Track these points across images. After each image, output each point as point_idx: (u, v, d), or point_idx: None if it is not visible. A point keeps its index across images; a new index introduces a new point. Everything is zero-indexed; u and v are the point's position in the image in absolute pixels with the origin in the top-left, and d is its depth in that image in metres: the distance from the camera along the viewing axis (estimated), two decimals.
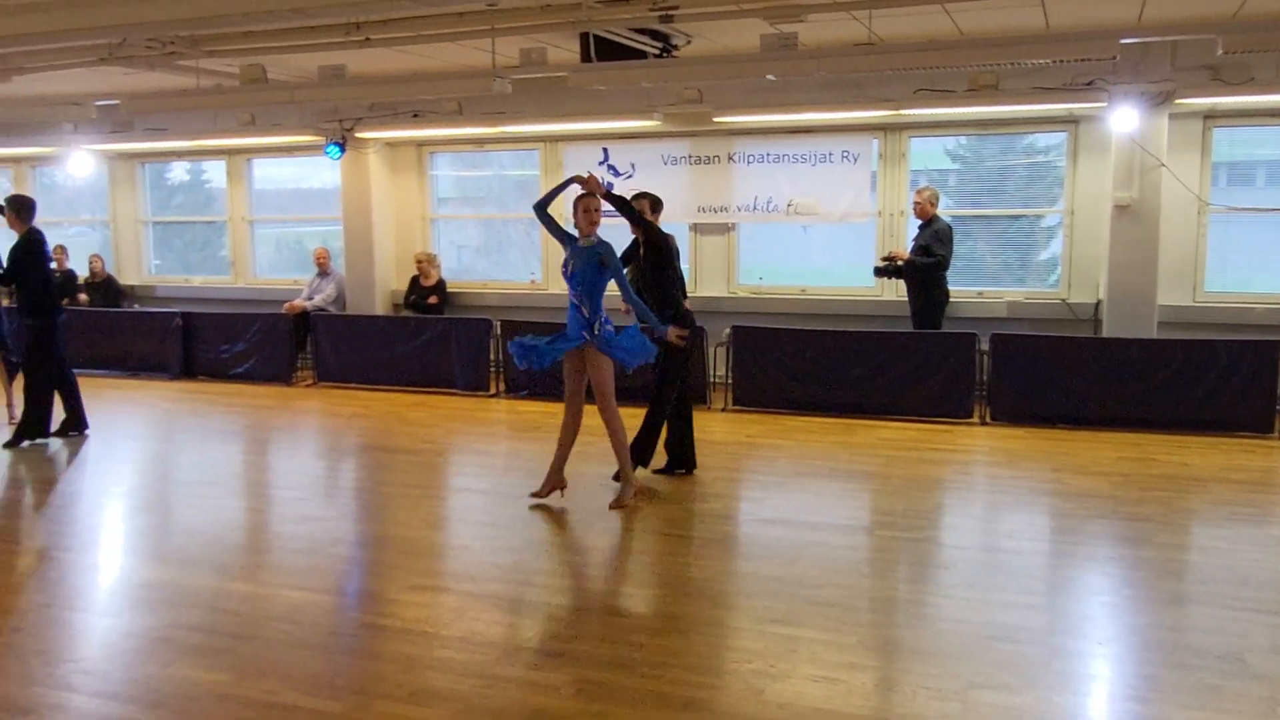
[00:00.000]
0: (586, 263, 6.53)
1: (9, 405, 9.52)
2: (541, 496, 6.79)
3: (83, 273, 13.48)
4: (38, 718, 3.99)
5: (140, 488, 7.82)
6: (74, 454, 8.72)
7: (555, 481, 6.83)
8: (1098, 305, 9.87)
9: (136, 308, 13.35)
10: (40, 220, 14.64)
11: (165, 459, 8.84)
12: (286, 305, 11.97)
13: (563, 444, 6.79)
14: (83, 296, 13.23)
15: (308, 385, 11.50)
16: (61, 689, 4.23)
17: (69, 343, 12.35)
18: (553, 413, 9.67)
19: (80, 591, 5.52)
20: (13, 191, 14.60)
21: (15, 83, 9.30)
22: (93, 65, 8.57)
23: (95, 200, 14.59)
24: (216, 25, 7.22)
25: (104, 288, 13.35)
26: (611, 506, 6.67)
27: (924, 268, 9.59)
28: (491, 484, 7.61)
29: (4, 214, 8.68)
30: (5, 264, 8.71)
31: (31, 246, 8.67)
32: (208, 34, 7.75)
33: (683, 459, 7.50)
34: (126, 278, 14.01)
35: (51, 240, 13.80)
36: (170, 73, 9.08)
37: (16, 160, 14.39)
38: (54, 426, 8.93)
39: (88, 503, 7.39)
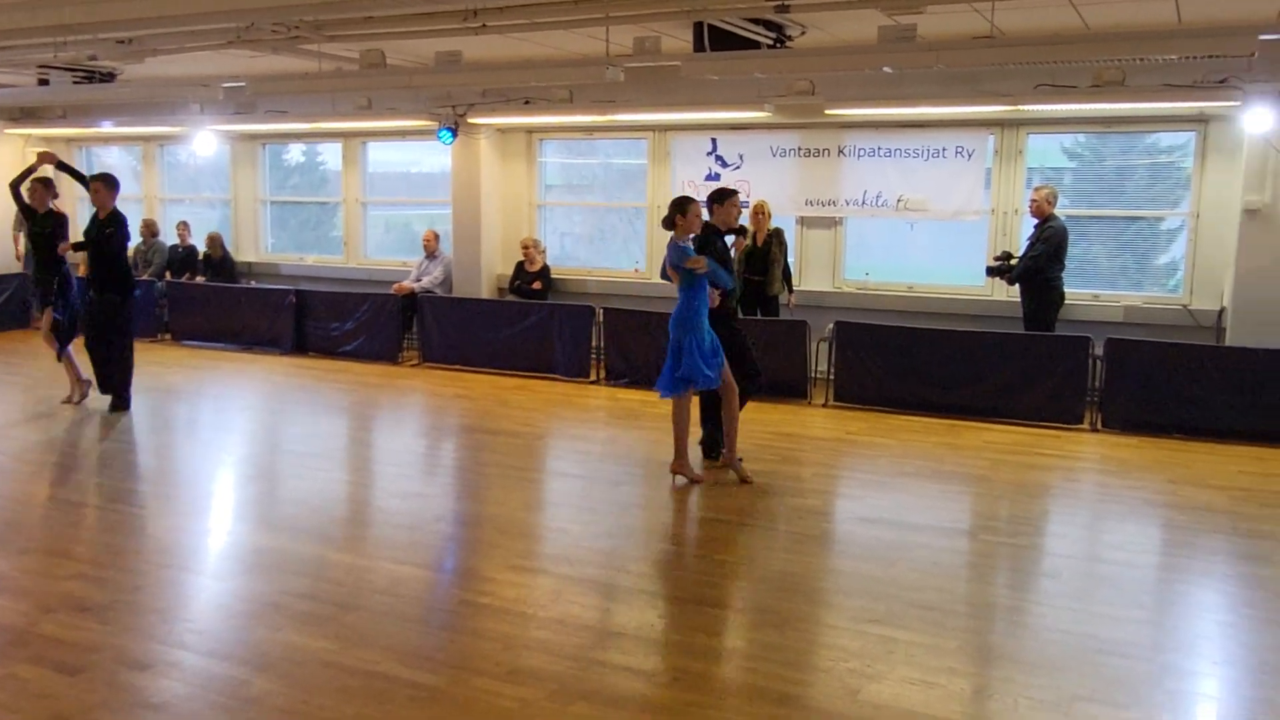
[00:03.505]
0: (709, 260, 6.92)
1: (78, 380, 9.35)
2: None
3: (201, 249, 13.99)
4: (155, 673, 4.17)
5: (251, 457, 8.09)
6: (190, 422, 9.07)
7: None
8: (1221, 312, 9.49)
9: (253, 284, 13.79)
10: (166, 197, 15.37)
11: (275, 431, 9.12)
12: (395, 286, 12.24)
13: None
14: (200, 279, 13.71)
15: (413, 365, 11.74)
16: (177, 647, 4.41)
17: (190, 315, 12.96)
18: (652, 401, 9.72)
19: (194, 555, 5.75)
20: (137, 170, 15.26)
21: (148, 64, 9.67)
22: (221, 48, 8.86)
23: (215, 179, 15.12)
24: (340, 10, 7.40)
25: (219, 265, 13.82)
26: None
27: (1021, 274, 9.38)
28: (590, 469, 7.67)
29: (97, 189, 8.86)
30: (89, 237, 8.89)
31: (123, 223, 8.92)
32: (331, 19, 7.94)
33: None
34: (244, 255, 14.48)
35: (173, 217, 14.51)
36: (293, 56, 9.33)
37: (145, 139, 14.98)
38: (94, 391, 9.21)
39: (202, 470, 7.68)
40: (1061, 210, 9.75)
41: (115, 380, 9.03)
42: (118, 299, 8.89)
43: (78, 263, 10.65)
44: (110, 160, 15.97)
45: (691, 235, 7.01)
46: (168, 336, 13.12)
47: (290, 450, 8.36)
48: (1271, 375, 8.41)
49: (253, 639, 4.52)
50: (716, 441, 7.49)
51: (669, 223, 6.97)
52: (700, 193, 11.44)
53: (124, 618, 4.70)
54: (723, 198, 7.35)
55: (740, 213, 7.50)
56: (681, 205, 6.95)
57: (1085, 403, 8.96)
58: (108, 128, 14.04)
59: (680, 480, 7.03)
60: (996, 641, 4.69)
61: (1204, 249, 9.71)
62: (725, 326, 7.16)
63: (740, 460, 7.17)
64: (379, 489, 7.26)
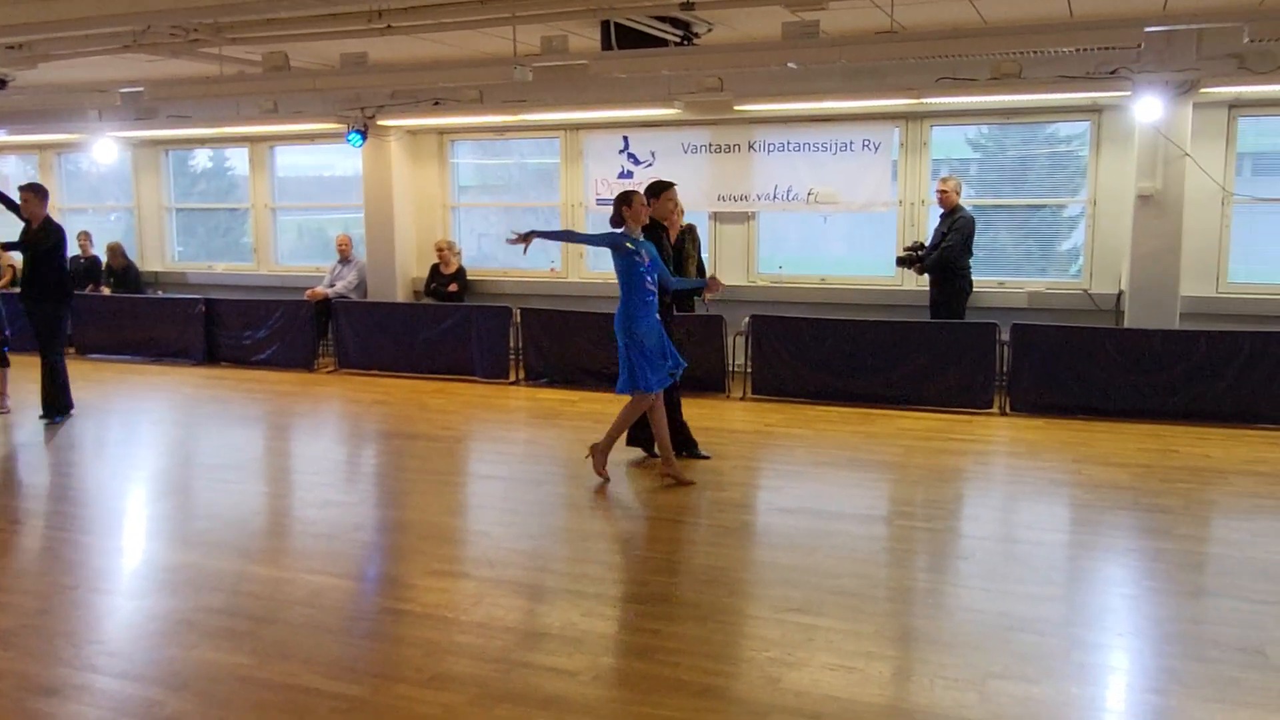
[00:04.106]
0: (651, 251, 6.86)
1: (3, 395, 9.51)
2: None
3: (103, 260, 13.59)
4: (63, 698, 4.04)
5: (163, 472, 7.89)
6: (98, 438, 8.80)
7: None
8: (1120, 296, 9.80)
9: (160, 294, 13.44)
10: (66, 207, 14.91)
11: (188, 443, 8.90)
12: (308, 292, 12.03)
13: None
14: (105, 289, 13.31)
15: (329, 372, 11.56)
16: (86, 670, 4.28)
17: (94, 328, 12.58)
18: (571, 400, 9.72)
19: (104, 574, 5.58)
20: (34, 179, 14.77)
21: (41, 70, 9.35)
22: (117, 53, 8.62)
23: (119, 187, 14.69)
24: (240, 12, 7.25)
25: (123, 275, 13.43)
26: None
27: (934, 265, 9.57)
28: (510, 471, 7.64)
29: (26, 199, 8.88)
30: (25, 245, 8.95)
31: (57, 232, 8.93)
32: (231, 21, 7.77)
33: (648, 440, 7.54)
34: (150, 264, 14.12)
35: (75, 227, 14.07)
36: (193, 60, 9.11)
37: (42, 147, 14.51)
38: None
39: (111, 486, 7.46)
40: (967, 200, 9.99)
41: (54, 391, 9.07)
42: (53, 307, 8.91)
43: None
44: (7, 170, 15.44)
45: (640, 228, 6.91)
46: (72, 350, 12.69)
47: (204, 463, 8.17)
48: (1167, 355, 8.72)
49: (166, 658, 4.40)
50: (686, 438, 7.53)
51: (617, 219, 6.88)
52: (613, 190, 11.48)
53: (29, 642, 4.54)
54: (658, 190, 7.32)
55: (678, 206, 7.41)
56: (626, 198, 6.87)
57: (994, 387, 9.18)
58: (3, 136, 13.56)
59: (668, 481, 6.98)
60: (913, 624, 4.78)
61: (1102, 235, 10.04)
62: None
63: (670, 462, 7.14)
64: (296, 499, 7.13)
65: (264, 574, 5.43)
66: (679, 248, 10.16)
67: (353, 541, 5.98)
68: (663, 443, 7.01)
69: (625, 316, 6.79)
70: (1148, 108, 8.88)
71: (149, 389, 10.89)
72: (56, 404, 9.10)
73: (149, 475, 7.76)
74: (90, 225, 14.10)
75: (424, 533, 6.13)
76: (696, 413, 9.14)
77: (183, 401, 10.29)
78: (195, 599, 5.04)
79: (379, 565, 5.75)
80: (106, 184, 14.90)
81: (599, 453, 7.04)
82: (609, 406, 8.78)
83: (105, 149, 13.36)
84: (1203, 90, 8.85)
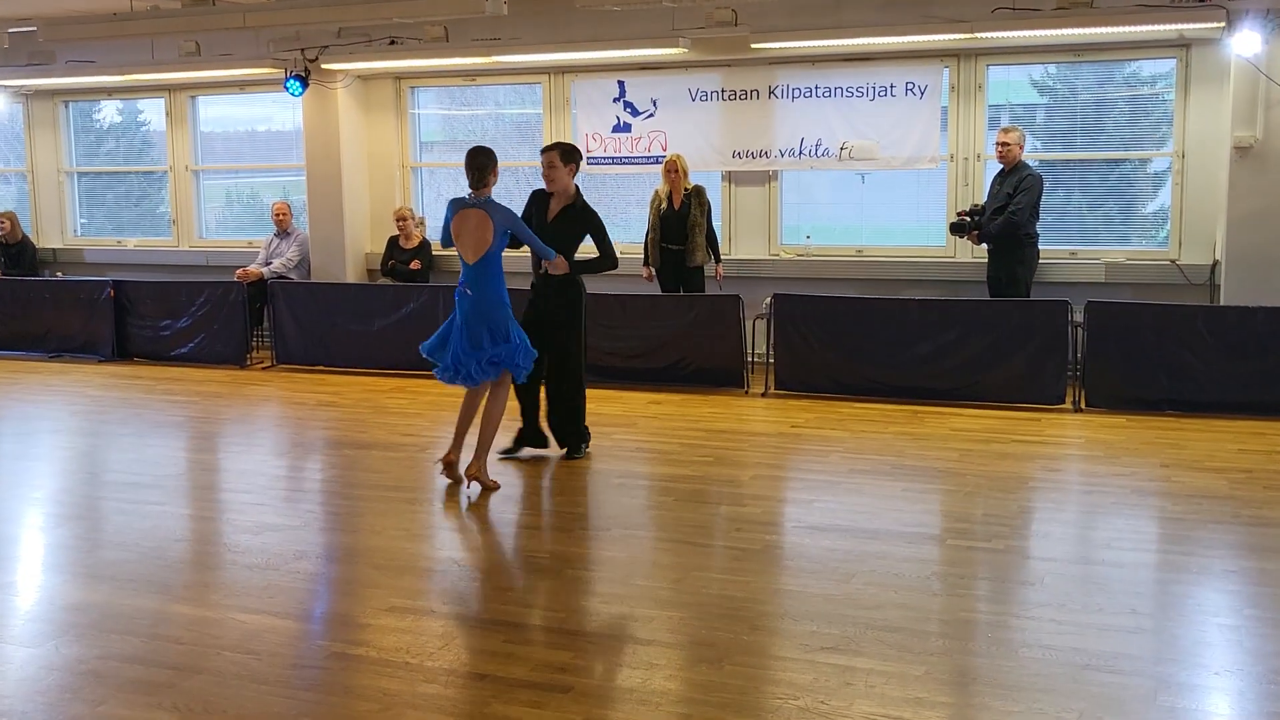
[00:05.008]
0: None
1: None
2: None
3: None
4: None
5: (64, 492, 7.89)
6: None
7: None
8: (1214, 267, 9.79)
9: (59, 276, 13.43)
10: None
11: (94, 457, 8.91)
12: (239, 272, 12.04)
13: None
14: None
15: (265, 368, 11.58)
16: None
17: None
18: None
19: None
20: None
21: None
22: None
23: (9, 147, 14.69)
24: None
25: (17, 254, 13.42)
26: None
27: (997, 232, 9.54)
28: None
29: None
30: None
31: None
32: None
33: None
34: (47, 240, 14.13)
35: None
36: None
37: None
38: None
39: (1, 510, 7.45)
40: (1031, 154, 9.96)
41: None
42: None
43: None
44: None
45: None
46: None
47: (113, 481, 8.17)
48: (1272, 337, 8.70)
49: (68, 716, 4.39)
50: (538, 432, 7.95)
51: (482, 180, 7.22)
52: (606, 146, 11.46)
53: None
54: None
55: (550, 171, 7.58)
56: (494, 158, 7.30)
57: (1066, 378, 9.18)
58: None
59: (475, 488, 7.22)
60: (970, 664, 4.78)
61: (1192, 194, 10.01)
62: (564, 295, 7.66)
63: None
64: (226, 523, 7.12)
65: (187, 614, 5.41)
66: (684, 215, 10.21)
67: (294, 573, 5.97)
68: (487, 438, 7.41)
69: (500, 299, 7.26)
70: (1245, 41, 8.85)
71: (46, 391, 10.89)
72: None
73: (47, 496, 7.75)
74: None
75: (380, 561, 6.13)
76: (709, 412, 9.20)
77: (88, 406, 10.30)
78: (104, 645, 5.02)
79: (326, 601, 5.75)
80: None
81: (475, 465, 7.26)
82: (602, 405, 8.80)
83: None
84: None
